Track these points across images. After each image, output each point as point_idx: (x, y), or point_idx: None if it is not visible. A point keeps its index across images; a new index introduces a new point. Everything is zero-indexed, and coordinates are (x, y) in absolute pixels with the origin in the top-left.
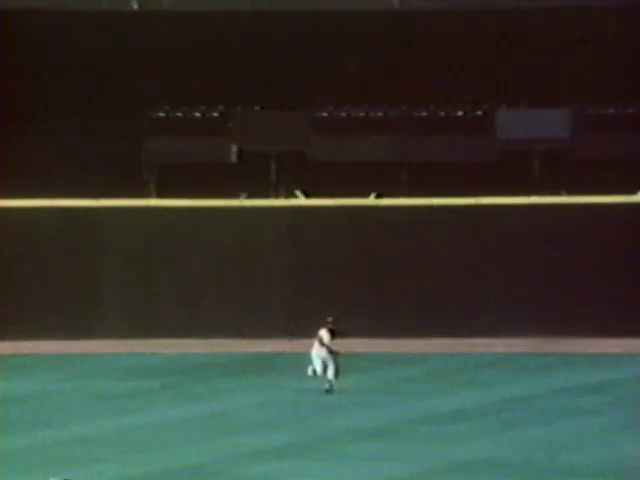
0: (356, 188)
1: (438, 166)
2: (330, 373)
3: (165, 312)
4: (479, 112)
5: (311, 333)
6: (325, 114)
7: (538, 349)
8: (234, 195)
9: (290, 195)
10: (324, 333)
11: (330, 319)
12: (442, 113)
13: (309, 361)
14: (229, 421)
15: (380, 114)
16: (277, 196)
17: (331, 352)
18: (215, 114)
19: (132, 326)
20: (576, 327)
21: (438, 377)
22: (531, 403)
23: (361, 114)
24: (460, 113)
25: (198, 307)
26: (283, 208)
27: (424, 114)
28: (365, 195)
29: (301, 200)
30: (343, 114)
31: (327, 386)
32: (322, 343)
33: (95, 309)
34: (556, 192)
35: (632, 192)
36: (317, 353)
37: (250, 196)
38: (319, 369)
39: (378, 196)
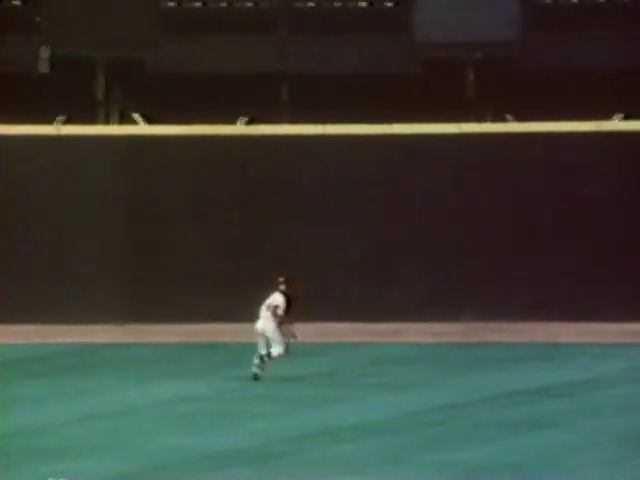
0: (218, 110)
1: (332, 80)
2: (274, 351)
3: None
4: (389, 3)
5: (156, 316)
6: (172, 4)
7: (474, 338)
8: (46, 119)
9: (126, 120)
10: (277, 300)
11: (282, 279)
12: (337, 4)
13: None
14: (33, 441)
15: (250, 4)
16: (107, 121)
17: (281, 327)
18: (16, 1)
19: None
20: (527, 308)
21: (331, 378)
22: (464, 413)
23: (223, 5)
24: (363, 4)
25: None
26: (116, 138)
27: (311, 5)
28: (231, 120)
29: (141, 126)
30: (197, 4)
31: (255, 367)
32: (275, 314)
33: None
34: (499, 117)
35: (605, 116)
36: (263, 328)
37: (69, 121)
38: (263, 350)
39: (249, 122)
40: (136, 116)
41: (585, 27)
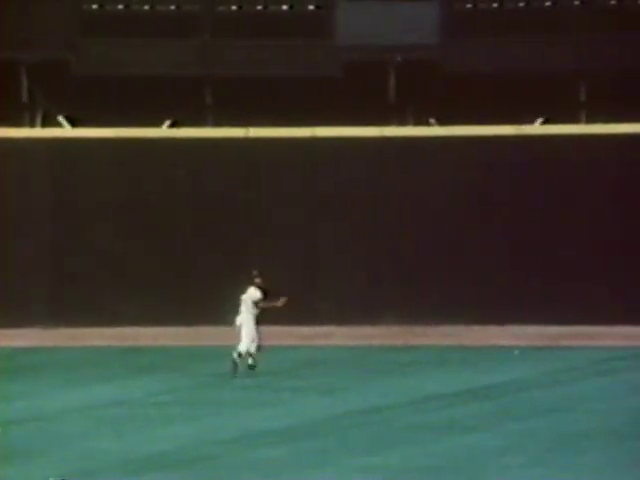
0: (142, 113)
1: (255, 84)
2: (241, 346)
3: None
4: (311, 6)
5: (81, 319)
6: (95, 6)
7: (398, 341)
8: None
9: (49, 122)
10: (253, 293)
11: (256, 272)
12: (259, 7)
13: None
14: None
15: (172, 8)
16: (31, 124)
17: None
18: None
19: None
20: (450, 312)
21: (256, 381)
22: (388, 416)
23: (145, 8)
24: (285, 7)
25: None
26: (40, 140)
27: (233, 8)
28: (155, 123)
29: (66, 129)
30: (120, 7)
31: (250, 361)
32: (256, 305)
33: None
34: (421, 120)
35: (526, 120)
36: (242, 322)
37: None
38: (247, 344)
39: (173, 124)
40: (61, 119)
41: (506, 31)
